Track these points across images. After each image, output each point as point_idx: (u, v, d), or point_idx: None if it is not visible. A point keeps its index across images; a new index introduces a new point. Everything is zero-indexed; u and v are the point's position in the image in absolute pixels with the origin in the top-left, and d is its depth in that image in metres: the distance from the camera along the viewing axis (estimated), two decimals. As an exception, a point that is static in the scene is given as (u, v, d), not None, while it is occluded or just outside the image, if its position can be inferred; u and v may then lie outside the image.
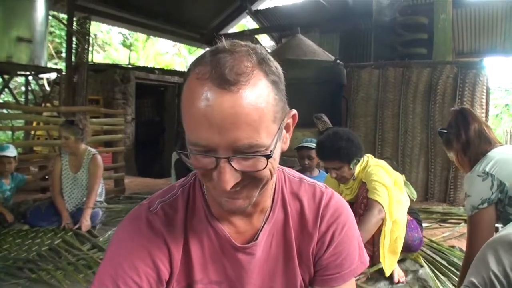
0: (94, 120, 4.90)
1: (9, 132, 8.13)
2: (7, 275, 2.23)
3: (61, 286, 2.10)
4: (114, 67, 8.66)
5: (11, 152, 3.36)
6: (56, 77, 6.77)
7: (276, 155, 0.69)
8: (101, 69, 8.28)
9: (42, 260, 2.43)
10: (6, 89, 6.83)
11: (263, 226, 0.81)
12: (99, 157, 3.38)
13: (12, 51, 5.66)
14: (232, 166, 0.64)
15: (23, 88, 9.03)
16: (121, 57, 14.66)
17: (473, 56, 7.93)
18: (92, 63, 8.25)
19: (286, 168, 0.90)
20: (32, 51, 5.94)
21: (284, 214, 0.84)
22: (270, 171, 0.69)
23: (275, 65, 0.68)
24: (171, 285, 0.78)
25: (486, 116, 4.80)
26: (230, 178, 0.64)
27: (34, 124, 5.74)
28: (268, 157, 0.65)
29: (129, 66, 9.71)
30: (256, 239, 0.81)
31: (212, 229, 0.80)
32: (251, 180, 0.68)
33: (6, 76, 6.48)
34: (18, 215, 3.25)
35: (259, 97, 0.62)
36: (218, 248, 0.80)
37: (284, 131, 0.72)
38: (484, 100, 4.74)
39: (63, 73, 6.64)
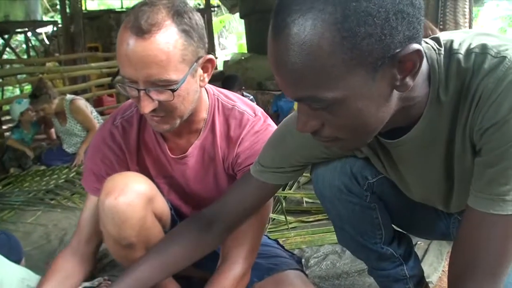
0: (93, 64, 5.14)
1: (17, 88, 8.46)
2: (29, 205, 2.56)
3: (77, 207, 2.49)
4: (108, 12, 8.75)
5: (26, 104, 3.55)
6: (53, 30, 6.88)
7: (189, 91, 0.89)
8: (96, 16, 8.37)
9: (59, 189, 2.85)
10: (8, 49, 6.98)
11: (193, 143, 1.05)
12: (77, 102, 3.46)
13: (8, 10, 5.80)
14: (149, 96, 0.84)
15: (24, 46, 9.26)
16: (115, 3, 14.43)
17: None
18: (86, 11, 8.34)
19: (228, 94, 1.09)
20: (27, 7, 6.07)
21: (213, 135, 1.04)
22: (182, 102, 0.89)
23: (190, 16, 0.86)
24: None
25: (470, 26, 4.74)
26: (147, 105, 0.85)
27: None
28: (173, 90, 0.84)
29: (123, 10, 9.72)
30: (186, 152, 1.05)
31: (157, 141, 1.06)
32: (166, 108, 0.88)
33: (5, 36, 6.64)
34: (34, 158, 3.63)
35: (167, 43, 0.81)
36: (163, 156, 1.06)
37: (201, 71, 0.92)
38: (467, 10, 4.65)
39: (60, 25, 6.79)
